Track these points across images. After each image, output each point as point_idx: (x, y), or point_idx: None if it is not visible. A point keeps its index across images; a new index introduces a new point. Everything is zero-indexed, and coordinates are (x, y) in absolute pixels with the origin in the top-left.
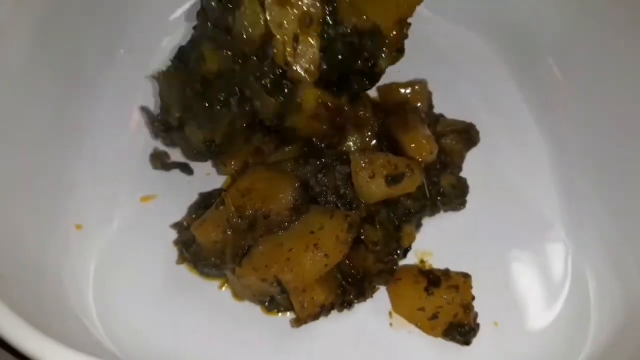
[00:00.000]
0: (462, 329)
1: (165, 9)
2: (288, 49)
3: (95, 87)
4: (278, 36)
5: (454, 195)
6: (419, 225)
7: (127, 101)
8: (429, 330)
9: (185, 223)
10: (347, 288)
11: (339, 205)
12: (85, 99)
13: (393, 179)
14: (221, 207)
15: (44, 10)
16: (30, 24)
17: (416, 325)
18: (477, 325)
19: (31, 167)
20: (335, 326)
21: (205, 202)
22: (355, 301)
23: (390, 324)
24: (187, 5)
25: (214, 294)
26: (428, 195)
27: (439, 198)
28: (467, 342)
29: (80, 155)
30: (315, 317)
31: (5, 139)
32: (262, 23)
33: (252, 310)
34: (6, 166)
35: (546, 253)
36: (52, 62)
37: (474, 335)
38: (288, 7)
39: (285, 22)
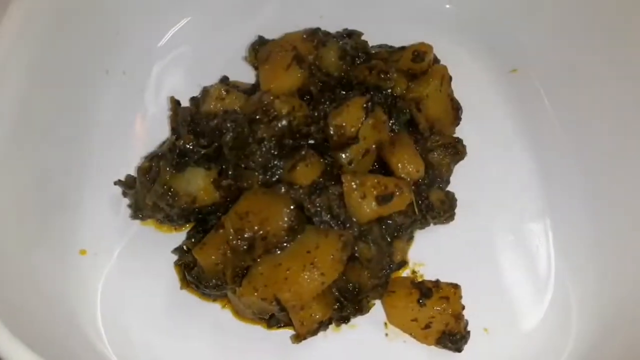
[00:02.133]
0: (453, 337)
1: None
2: None
3: (92, 113)
4: None
5: (443, 210)
6: (410, 239)
7: (126, 127)
8: (423, 339)
9: (185, 247)
10: (345, 304)
11: (332, 224)
12: (84, 126)
13: (383, 199)
14: (221, 231)
15: (39, 48)
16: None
17: (410, 335)
18: (468, 332)
19: (34, 194)
20: (334, 339)
21: (202, 227)
22: (352, 317)
23: (386, 335)
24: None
25: (217, 313)
26: (418, 211)
27: (428, 212)
28: (459, 349)
29: (81, 181)
30: (314, 333)
31: (7, 167)
32: None
33: (253, 328)
34: (10, 194)
35: (531, 261)
36: (49, 92)
37: (465, 342)
38: None
39: None
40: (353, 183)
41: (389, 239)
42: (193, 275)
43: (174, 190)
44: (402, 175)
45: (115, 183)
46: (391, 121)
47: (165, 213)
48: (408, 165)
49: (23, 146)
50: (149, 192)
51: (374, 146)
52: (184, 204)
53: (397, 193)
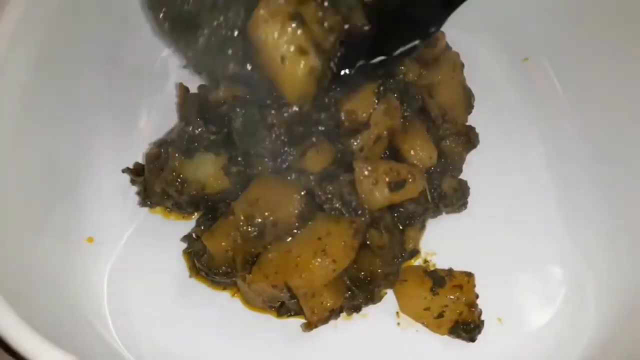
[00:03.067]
0: (467, 327)
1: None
2: None
3: (99, 101)
4: None
5: (456, 198)
6: (422, 228)
7: (133, 115)
8: (436, 328)
9: (194, 235)
10: (356, 292)
11: (344, 212)
12: (91, 114)
13: (396, 186)
14: (230, 217)
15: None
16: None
17: (423, 324)
18: (482, 322)
19: (41, 182)
20: (345, 328)
21: (212, 214)
22: (364, 306)
23: (398, 324)
24: None
25: (226, 302)
26: (430, 199)
27: (441, 201)
28: (472, 339)
29: (88, 169)
30: (325, 321)
31: (14, 154)
32: None
33: (263, 317)
34: (17, 182)
35: (545, 250)
36: (57, 81)
37: (479, 332)
38: None
39: None
40: (365, 169)
41: (401, 227)
42: (203, 262)
43: (183, 176)
44: (415, 162)
45: (123, 171)
46: (403, 108)
47: (174, 200)
48: (420, 151)
49: (30, 134)
50: (158, 178)
51: (385, 133)
52: (193, 191)
53: (410, 180)
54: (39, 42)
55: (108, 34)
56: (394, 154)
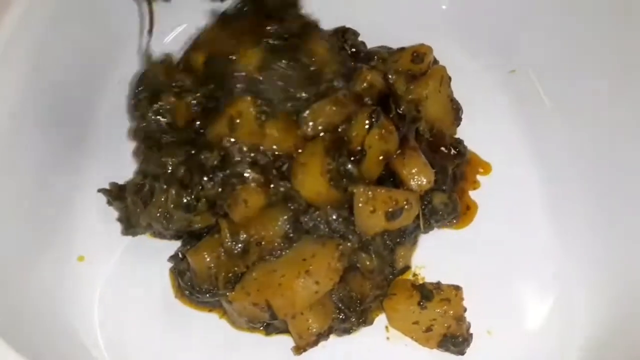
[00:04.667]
0: (455, 340)
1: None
2: None
3: (88, 120)
4: None
5: (447, 212)
6: (414, 244)
7: (122, 134)
8: (425, 342)
9: (180, 254)
10: (348, 314)
11: (331, 236)
12: (80, 133)
13: (392, 215)
14: (216, 235)
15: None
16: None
17: (412, 338)
18: (471, 335)
19: (31, 200)
20: (335, 343)
21: (197, 234)
22: (355, 328)
23: (387, 338)
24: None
25: (216, 321)
26: (422, 224)
27: (432, 216)
28: (461, 353)
29: (79, 187)
30: (313, 345)
31: (6, 174)
32: None
33: (253, 336)
34: (8, 202)
35: (534, 262)
36: (49, 94)
37: (468, 345)
38: None
39: None
40: (365, 196)
41: (392, 246)
42: (186, 281)
43: (170, 214)
44: (413, 187)
45: (99, 191)
46: (402, 129)
47: (158, 231)
48: (419, 177)
49: (21, 152)
50: (143, 212)
51: (381, 157)
52: (179, 227)
53: (407, 207)
54: (27, 65)
55: (98, 55)
56: (390, 174)
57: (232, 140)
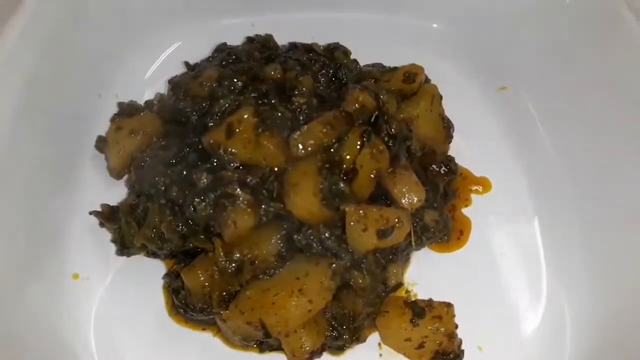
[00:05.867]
0: (447, 357)
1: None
2: None
3: (83, 136)
4: None
5: (438, 230)
6: (406, 261)
7: None
8: (417, 359)
9: (174, 272)
10: (341, 332)
11: (324, 254)
12: (75, 150)
13: (384, 234)
14: (210, 254)
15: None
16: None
17: (404, 355)
18: (462, 351)
19: (26, 219)
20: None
21: (191, 253)
22: (348, 346)
23: (380, 355)
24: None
25: (209, 340)
26: (414, 241)
27: (423, 234)
28: None
29: (73, 207)
30: None
31: (1, 192)
32: None
33: (246, 354)
34: (2, 220)
35: (524, 276)
36: (40, 120)
37: None
38: None
39: None
40: (356, 215)
41: (384, 264)
42: (180, 299)
43: (165, 235)
44: (404, 205)
45: (90, 213)
46: (393, 149)
47: (153, 251)
48: (409, 195)
49: (15, 171)
50: (137, 233)
51: (372, 176)
52: (174, 247)
53: (398, 226)
54: (24, 82)
55: (94, 71)
56: (382, 192)
57: (227, 149)
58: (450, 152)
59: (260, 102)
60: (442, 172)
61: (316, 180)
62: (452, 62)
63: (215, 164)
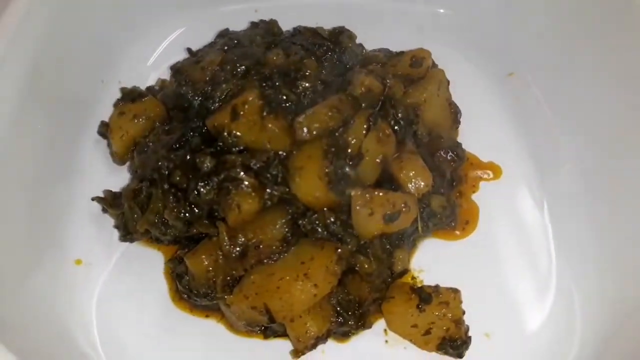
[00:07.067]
0: (454, 343)
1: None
2: None
3: (86, 122)
4: None
5: (445, 216)
6: (413, 246)
7: None
8: (423, 345)
9: (177, 258)
10: (346, 318)
11: (329, 239)
12: (79, 135)
13: (390, 218)
14: (214, 238)
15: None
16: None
17: (410, 341)
18: (469, 338)
19: (28, 205)
20: (333, 346)
21: (195, 238)
22: (354, 332)
23: (386, 341)
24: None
25: (213, 326)
26: (421, 227)
27: (430, 219)
28: (460, 355)
29: (76, 192)
30: (312, 348)
31: (4, 179)
32: None
33: (251, 340)
34: (5, 207)
35: (532, 264)
36: (43, 106)
37: (467, 348)
38: None
39: None
40: (363, 199)
41: (390, 249)
42: (184, 284)
43: (167, 220)
44: (411, 190)
45: (93, 199)
46: (400, 134)
47: (156, 237)
48: (417, 180)
49: (17, 155)
50: (141, 219)
51: (378, 160)
52: (177, 232)
53: (404, 210)
54: (27, 67)
55: (97, 57)
56: (388, 177)
57: (231, 132)
58: (458, 138)
59: (264, 84)
60: (449, 158)
61: (321, 164)
62: (459, 48)
63: (218, 148)
